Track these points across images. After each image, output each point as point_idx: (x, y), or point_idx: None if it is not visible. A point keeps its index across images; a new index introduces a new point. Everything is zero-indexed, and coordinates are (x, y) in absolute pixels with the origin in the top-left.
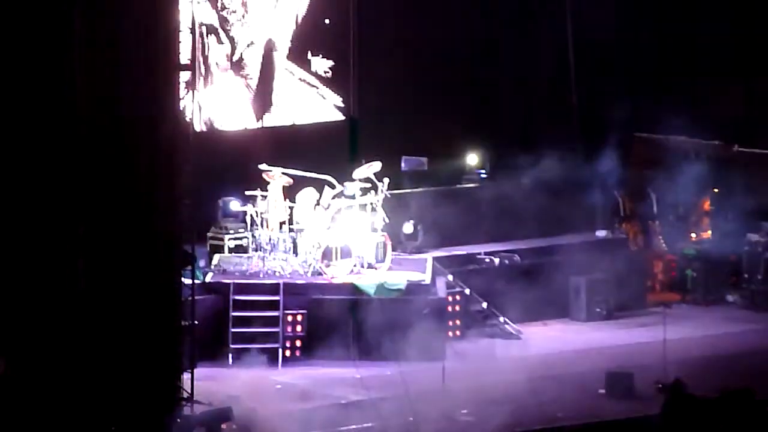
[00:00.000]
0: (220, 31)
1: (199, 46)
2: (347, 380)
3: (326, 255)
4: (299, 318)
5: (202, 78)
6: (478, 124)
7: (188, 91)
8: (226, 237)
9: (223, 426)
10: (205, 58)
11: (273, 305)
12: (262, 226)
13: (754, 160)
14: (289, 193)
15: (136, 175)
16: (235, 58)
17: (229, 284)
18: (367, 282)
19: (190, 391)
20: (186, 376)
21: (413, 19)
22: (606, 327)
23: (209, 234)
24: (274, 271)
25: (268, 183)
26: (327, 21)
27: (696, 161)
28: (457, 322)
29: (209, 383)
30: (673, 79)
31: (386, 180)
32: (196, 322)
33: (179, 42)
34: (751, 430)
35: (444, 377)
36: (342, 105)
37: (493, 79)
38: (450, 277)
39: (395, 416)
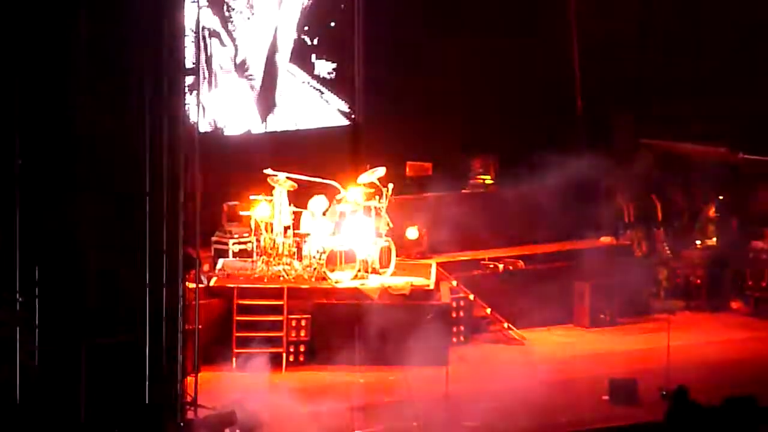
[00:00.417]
0: (224, 33)
1: (202, 48)
2: (351, 385)
3: (331, 260)
4: (303, 323)
5: (206, 81)
6: (483, 129)
7: (192, 95)
8: (231, 241)
9: (227, 430)
10: (209, 61)
11: (277, 310)
12: (266, 230)
13: (759, 167)
14: (296, 198)
15: (140, 178)
16: (239, 60)
17: (233, 288)
18: (371, 287)
19: (194, 396)
20: (190, 380)
21: (418, 23)
22: (610, 333)
23: (214, 238)
24: (279, 276)
25: (273, 187)
26: (332, 24)
27: (701, 168)
28: (461, 327)
29: (213, 387)
30: (680, 85)
31: (391, 185)
32: (200, 327)
33: (184, 45)
34: None
35: (448, 383)
36: (346, 110)
37: (498, 84)
38: (454, 283)
39: (399, 421)
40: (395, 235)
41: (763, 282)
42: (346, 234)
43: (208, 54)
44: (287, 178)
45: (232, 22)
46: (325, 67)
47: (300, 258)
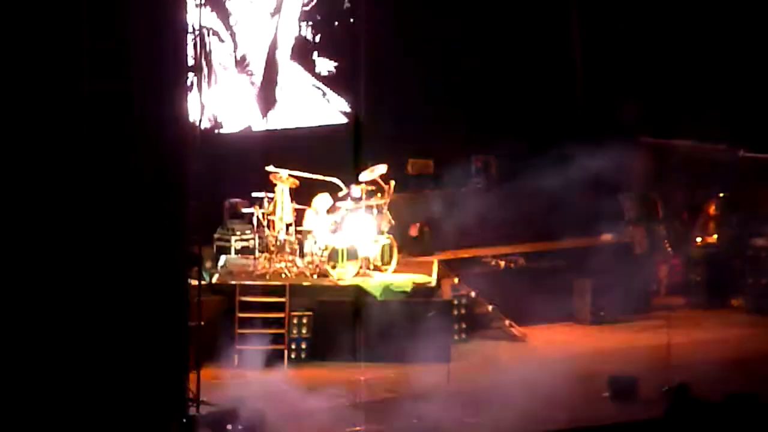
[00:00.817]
0: (224, 30)
1: (202, 46)
2: (353, 382)
3: (333, 257)
4: (305, 320)
5: (206, 78)
6: (484, 126)
7: (194, 92)
8: (233, 238)
9: (229, 427)
10: (209, 58)
11: (279, 307)
12: (268, 227)
13: (760, 165)
14: (299, 196)
15: (142, 176)
16: (239, 56)
17: (235, 285)
18: (373, 284)
19: (195, 392)
20: (192, 377)
21: (419, 21)
22: (610, 330)
23: (216, 235)
24: (281, 273)
25: (275, 185)
26: (336, 23)
27: (701, 166)
28: (463, 324)
29: (215, 384)
30: (680, 82)
31: (392, 182)
32: (202, 324)
33: (186, 43)
34: None
35: (449, 380)
36: (347, 108)
37: (499, 82)
38: (456, 280)
39: (400, 419)
40: (397, 232)
41: (763, 279)
42: (348, 231)
43: (208, 51)
44: (289, 175)
45: (232, 17)
46: (326, 65)
47: (302, 255)
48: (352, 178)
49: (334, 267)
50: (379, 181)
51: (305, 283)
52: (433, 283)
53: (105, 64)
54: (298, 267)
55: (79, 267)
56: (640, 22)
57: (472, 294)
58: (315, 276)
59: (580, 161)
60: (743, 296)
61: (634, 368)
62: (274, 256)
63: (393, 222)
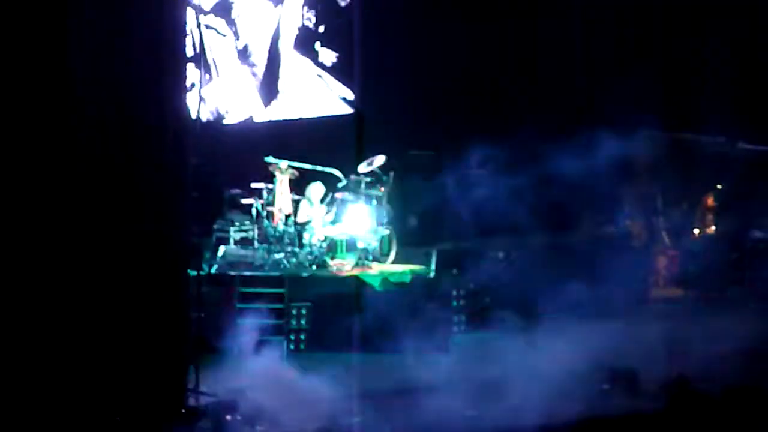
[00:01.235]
0: (225, 20)
1: (203, 36)
2: (352, 373)
3: (331, 248)
4: (304, 311)
5: (207, 69)
6: (485, 118)
7: (194, 83)
8: (232, 229)
9: (228, 417)
10: (210, 49)
11: (278, 298)
12: (267, 218)
13: (759, 157)
14: (296, 186)
15: (141, 167)
16: (240, 47)
17: (234, 276)
18: (372, 275)
19: (195, 383)
20: (191, 367)
21: (420, 12)
22: (609, 322)
23: (215, 226)
24: (280, 264)
25: (274, 176)
26: (338, 14)
27: (700, 157)
28: (462, 316)
29: (214, 375)
30: (679, 76)
31: (392, 173)
32: (201, 314)
33: (186, 34)
34: (756, 427)
35: (448, 371)
36: (349, 98)
37: (500, 75)
38: (455, 271)
39: (399, 410)
40: (396, 223)
41: (762, 271)
42: (347, 222)
43: (209, 42)
44: (288, 166)
45: (234, 8)
46: (328, 56)
47: (301, 246)
48: (351, 169)
49: (333, 258)
50: (379, 172)
51: (304, 274)
52: (432, 275)
53: (104, 55)
54: (297, 258)
55: (78, 258)
56: (639, 11)
57: (472, 285)
58: (314, 267)
59: (581, 152)
60: (742, 288)
61: (634, 361)
62: (273, 247)
63: (392, 213)
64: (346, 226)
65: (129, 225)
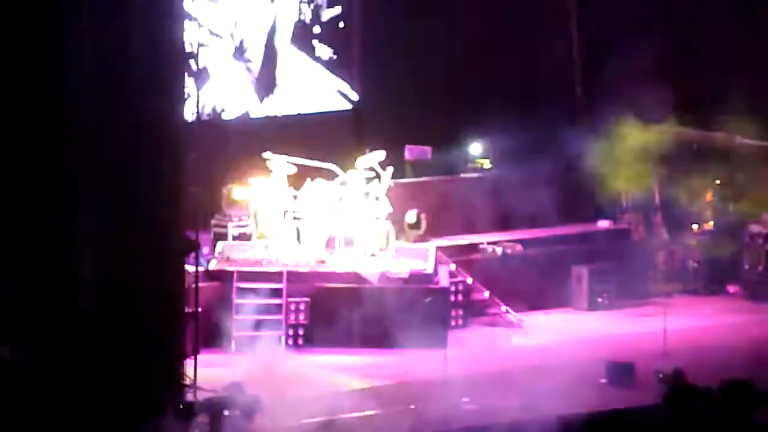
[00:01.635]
0: (222, 15)
1: (201, 32)
2: (349, 368)
3: (330, 243)
4: (302, 306)
5: (205, 65)
6: (483, 113)
7: (192, 79)
8: (230, 225)
9: (226, 413)
10: (207, 45)
11: (276, 293)
12: (265, 213)
13: (757, 152)
14: (296, 182)
15: (140, 163)
16: (237, 42)
17: (232, 272)
18: (370, 270)
19: (193, 378)
20: (189, 362)
21: (417, 7)
22: (607, 317)
23: (213, 221)
24: (278, 259)
25: (272, 171)
26: (333, 9)
27: (699, 152)
28: (460, 311)
29: (212, 370)
30: (678, 70)
31: (390, 169)
32: (199, 310)
33: (184, 30)
34: (751, 420)
35: (446, 366)
36: (346, 92)
37: (498, 69)
38: (452, 266)
39: (397, 404)
40: (394, 218)
41: (760, 266)
42: (345, 218)
43: (206, 38)
44: (287, 161)
45: (230, 5)
46: (325, 51)
47: (299, 241)
48: (349, 165)
49: (331, 253)
50: (377, 167)
51: (302, 270)
52: (430, 270)
53: (102, 51)
54: (295, 253)
55: (76, 254)
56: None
57: (469, 280)
58: (312, 262)
59: (578, 147)
60: (740, 283)
61: (632, 354)
62: (271, 242)
63: (390, 208)
64: (344, 221)
65: (127, 221)
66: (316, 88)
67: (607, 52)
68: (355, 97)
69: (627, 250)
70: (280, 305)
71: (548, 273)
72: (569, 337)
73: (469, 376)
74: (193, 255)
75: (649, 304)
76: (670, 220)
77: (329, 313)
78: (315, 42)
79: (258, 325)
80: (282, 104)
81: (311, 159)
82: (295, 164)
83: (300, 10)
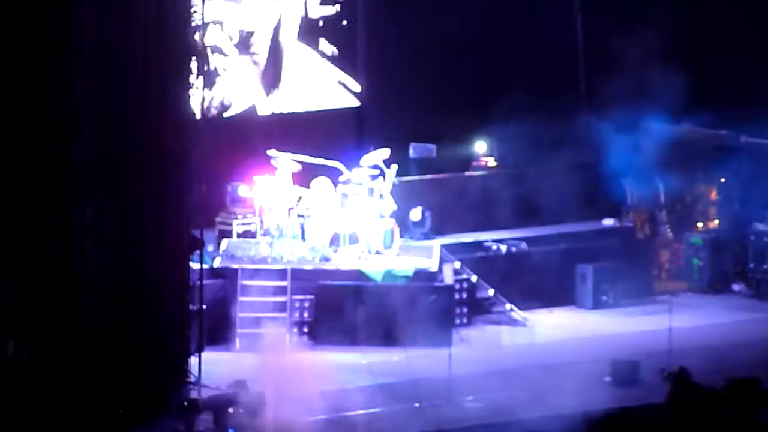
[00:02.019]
0: (228, 12)
1: (206, 29)
2: (354, 365)
3: (334, 241)
4: (306, 304)
5: (210, 62)
6: (487, 111)
7: (197, 76)
8: (235, 222)
9: (230, 410)
10: (213, 42)
11: (281, 290)
12: (270, 211)
13: (761, 150)
14: (300, 180)
15: (145, 160)
16: (243, 38)
17: (237, 269)
18: (375, 268)
19: (197, 375)
20: (194, 360)
21: (421, 3)
22: (612, 315)
23: (218, 219)
24: (282, 257)
25: (277, 169)
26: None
27: (704, 150)
28: (464, 309)
29: (217, 367)
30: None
31: (394, 167)
32: (204, 307)
33: (189, 27)
34: (756, 419)
35: (450, 364)
36: (352, 87)
37: (502, 66)
38: (457, 264)
39: (401, 402)
40: (399, 216)
41: (764, 264)
42: (350, 215)
43: (212, 35)
44: (291, 159)
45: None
46: (330, 47)
47: (303, 239)
48: (354, 162)
49: (335, 251)
50: (382, 165)
51: (307, 267)
52: (435, 268)
53: (107, 46)
54: (299, 251)
55: (81, 250)
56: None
57: (474, 278)
58: (317, 260)
59: (584, 145)
60: (744, 281)
61: (636, 353)
62: (275, 240)
63: (395, 206)
64: (349, 219)
65: (132, 218)
66: (321, 83)
67: (611, 48)
68: (360, 94)
69: (632, 248)
70: (284, 303)
71: (553, 271)
72: (574, 335)
73: (473, 374)
74: (197, 252)
75: (653, 302)
76: (674, 218)
77: (334, 310)
78: (320, 38)
79: (262, 322)
80: (287, 101)
81: (316, 156)
82: (299, 162)
83: (306, 6)
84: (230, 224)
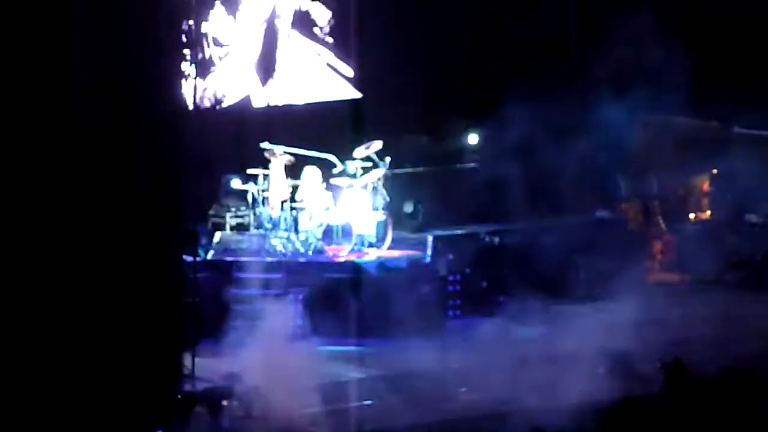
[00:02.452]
0: (221, 3)
1: (199, 19)
2: (348, 358)
3: (327, 234)
4: (300, 296)
5: (203, 53)
6: (480, 103)
7: (190, 68)
8: (228, 215)
9: (224, 403)
10: (206, 32)
11: (274, 283)
12: (263, 204)
13: (753, 142)
14: (292, 171)
15: (137, 152)
16: (237, 28)
17: (230, 262)
18: (368, 261)
19: (191, 369)
20: (187, 353)
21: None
22: (605, 306)
23: (211, 212)
24: (276, 250)
25: (270, 161)
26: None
27: (695, 142)
28: (458, 301)
29: (211, 360)
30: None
31: (387, 159)
32: (197, 300)
33: (182, 18)
34: (751, 410)
35: (444, 356)
36: (344, 83)
37: (495, 58)
38: (450, 257)
39: (396, 394)
40: (392, 208)
41: (757, 255)
42: (343, 208)
43: (206, 24)
44: (285, 151)
45: None
46: (326, 38)
47: (297, 232)
48: (347, 155)
49: (329, 244)
50: (375, 157)
51: (300, 260)
52: (428, 260)
53: (99, 38)
54: (293, 244)
55: (74, 245)
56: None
57: (467, 270)
58: (310, 253)
59: (577, 137)
60: (738, 272)
61: (629, 344)
62: (269, 232)
63: (388, 198)
64: (342, 211)
65: (125, 211)
66: (316, 73)
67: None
68: (354, 85)
69: (625, 239)
70: (278, 295)
71: (546, 263)
72: (567, 326)
73: (467, 366)
74: (191, 245)
75: (646, 293)
76: (667, 209)
77: (327, 303)
78: (315, 28)
79: (256, 315)
80: (281, 92)
81: (309, 149)
82: (293, 154)
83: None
84: (223, 217)
